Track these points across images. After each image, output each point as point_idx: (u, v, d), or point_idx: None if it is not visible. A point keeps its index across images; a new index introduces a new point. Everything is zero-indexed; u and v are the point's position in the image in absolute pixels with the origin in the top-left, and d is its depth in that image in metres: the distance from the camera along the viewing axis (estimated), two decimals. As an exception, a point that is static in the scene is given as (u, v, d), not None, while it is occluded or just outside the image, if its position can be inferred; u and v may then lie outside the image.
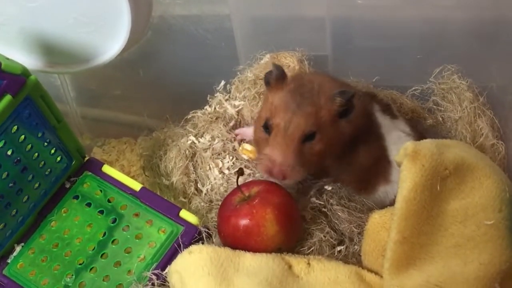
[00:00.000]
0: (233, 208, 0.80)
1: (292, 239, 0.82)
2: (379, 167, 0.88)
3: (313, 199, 0.86)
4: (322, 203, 0.86)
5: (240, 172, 0.84)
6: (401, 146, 0.75)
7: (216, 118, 1.00)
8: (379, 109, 0.91)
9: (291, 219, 0.81)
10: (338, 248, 0.83)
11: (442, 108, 0.99)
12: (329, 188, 0.87)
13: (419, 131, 0.95)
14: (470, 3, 0.98)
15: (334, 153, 0.84)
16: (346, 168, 0.87)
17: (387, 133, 0.89)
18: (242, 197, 0.81)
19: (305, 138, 0.81)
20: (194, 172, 0.94)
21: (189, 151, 0.95)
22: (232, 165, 0.94)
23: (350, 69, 1.04)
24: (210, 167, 0.94)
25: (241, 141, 0.98)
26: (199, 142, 0.97)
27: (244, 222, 0.78)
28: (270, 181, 0.84)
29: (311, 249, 0.82)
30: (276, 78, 0.85)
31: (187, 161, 0.94)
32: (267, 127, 0.82)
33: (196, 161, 0.95)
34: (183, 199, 0.92)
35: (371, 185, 0.89)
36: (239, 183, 0.83)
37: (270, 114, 0.83)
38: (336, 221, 0.85)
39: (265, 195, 0.80)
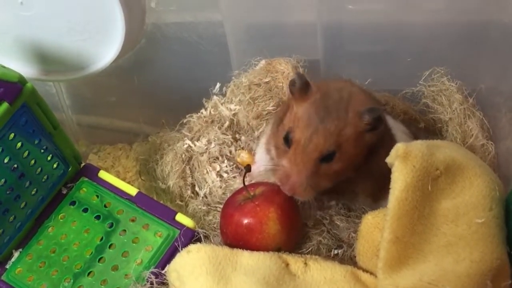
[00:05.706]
0: (237, 206, 0.82)
1: (292, 240, 0.83)
2: None
3: (317, 211, 0.87)
4: (323, 215, 0.87)
5: (248, 169, 0.84)
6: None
7: (212, 121, 1.01)
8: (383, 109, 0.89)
9: (292, 220, 0.82)
10: (335, 252, 0.84)
11: (433, 110, 1.00)
12: (332, 203, 0.87)
13: (413, 132, 0.96)
14: (458, 7, 0.99)
15: (352, 169, 0.80)
16: (364, 177, 0.83)
17: (396, 134, 0.87)
18: (247, 196, 0.82)
19: (323, 158, 0.78)
20: (191, 175, 0.95)
21: (185, 155, 0.96)
22: (231, 170, 0.95)
23: (342, 74, 1.03)
24: (207, 171, 0.94)
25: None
26: (195, 145, 0.97)
27: (247, 219, 0.80)
28: (275, 183, 0.85)
29: (309, 249, 0.83)
30: (299, 88, 0.81)
31: (184, 165, 0.95)
32: (287, 140, 0.80)
33: (193, 164, 0.96)
34: (180, 202, 0.93)
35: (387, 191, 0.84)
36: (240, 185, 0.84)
37: (292, 125, 0.80)
38: (336, 231, 0.86)
39: (270, 194, 0.82)
